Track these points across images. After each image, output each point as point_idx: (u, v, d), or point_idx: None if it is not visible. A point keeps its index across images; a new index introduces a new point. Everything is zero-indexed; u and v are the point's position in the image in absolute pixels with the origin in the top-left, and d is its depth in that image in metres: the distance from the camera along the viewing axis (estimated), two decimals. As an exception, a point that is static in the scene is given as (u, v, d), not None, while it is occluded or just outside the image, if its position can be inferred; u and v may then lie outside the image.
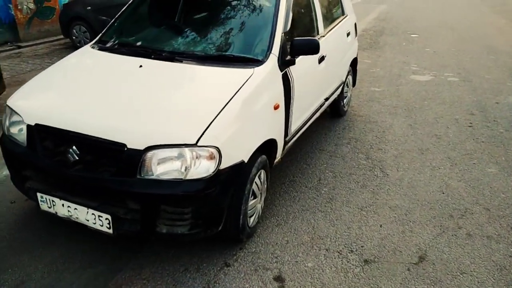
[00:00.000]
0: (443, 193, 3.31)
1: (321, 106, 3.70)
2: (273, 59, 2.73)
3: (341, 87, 4.37)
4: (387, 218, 2.98)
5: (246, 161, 2.36)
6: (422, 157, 3.92)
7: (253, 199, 2.59)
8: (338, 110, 4.72)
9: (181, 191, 2.11)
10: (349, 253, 2.62)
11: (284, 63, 2.81)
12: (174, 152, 2.14)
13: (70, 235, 2.63)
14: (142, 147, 2.12)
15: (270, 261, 2.53)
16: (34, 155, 2.39)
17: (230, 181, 2.27)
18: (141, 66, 2.67)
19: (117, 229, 2.24)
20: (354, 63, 4.85)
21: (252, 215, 2.63)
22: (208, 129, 2.16)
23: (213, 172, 2.15)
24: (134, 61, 2.73)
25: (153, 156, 2.14)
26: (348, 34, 4.35)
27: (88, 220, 2.27)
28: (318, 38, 3.49)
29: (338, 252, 2.63)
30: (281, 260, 2.54)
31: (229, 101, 2.32)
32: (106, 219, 2.21)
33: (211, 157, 2.15)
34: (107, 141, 2.17)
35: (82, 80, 2.68)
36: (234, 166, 2.27)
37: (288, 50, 2.85)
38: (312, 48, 2.83)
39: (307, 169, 3.65)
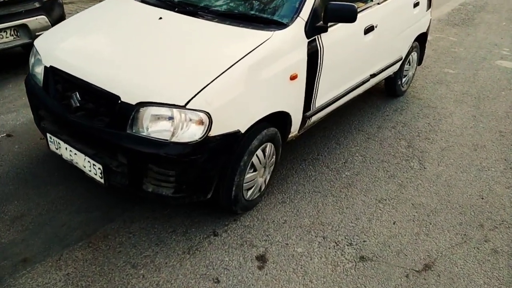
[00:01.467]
0: (483, 198, 2.89)
1: (364, 82, 3.36)
2: (299, 24, 2.48)
3: (398, 63, 3.94)
4: (405, 216, 2.68)
5: (243, 131, 2.21)
6: (473, 154, 3.45)
7: (253, 172, 2.46)
8: (393, 89, 4.29)
9: (163, 152, 2.04)
10: (347, 245, 2.41)
11: (314, 29, 2.55)
12: (165, 111, 2.06)
13: (78, 179, 2.73)
14: (133, 102, 2.07)
15: (260, 239, 2.42)
16: (47, 96, 2.46)
17: (221, 149, 2.16)
18: (160, 18, 2.59)
19: (109, 180, 2.25)
20: (422, 38, 4.32)
21: (251, 188, 2.50)
22: (201, 92, 2.04)
23: (200, 138, 2.05)
24: (156, 13, 2.65)
25: (145, 113, 2.09)
26: (416, 5, 3.84)
27: (85, 167, 2.32)
28: (371, 6, 3.14)
29: (335, 243, 2.43)
30: (272, 240, 2.42)
31: (232, 65, 2.16)
32: (99, 168, 2.24)
33: (200, 122, 2.04)
34: (104, 91, 2.16)
35: (102, 27, 2.68)
36: (228, 135, 2.15)
37: (322, 15, 2.57)
38: (348, 15, 2.52)
39: (336, 148, 3.39)
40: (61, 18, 4.47)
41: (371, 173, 3.11)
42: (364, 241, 2.46)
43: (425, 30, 4.26)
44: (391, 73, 4.00)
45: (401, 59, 3.94)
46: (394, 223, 2.61)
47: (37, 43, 2.66)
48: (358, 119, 3.90)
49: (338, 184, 2.95)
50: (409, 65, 4.29)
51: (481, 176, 3.16)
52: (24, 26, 4.13)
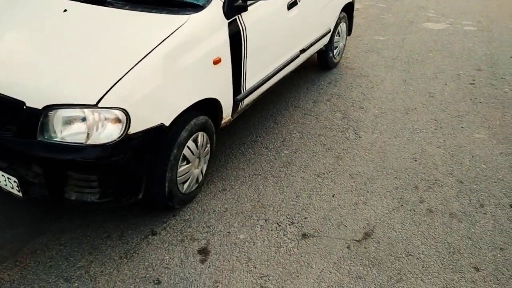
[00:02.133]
0: (416, 160, 2.99)
1: (294, 58, 3.33)
2: (216, 4, 2.37)
3: (327, 36, 3.94)
4: (343, 187, 2.71)
5: (167, 124, 2.10)
6: (405, 118, 3.55)
7: (186, 164, 2.36)
8: (326, 62, 4.31)
9: (80, 157, 1.90)
10: (289, 225, 2.41)
11: (232, 9, 2.45)
12: (76, 112, 1.91)
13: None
14: (40, 106, 1.90)
15: (201, 231, 2.35)
16: None
17: (145, 146, 2.04)
18: (65, 10, 2.38)
19: (27, 192, 2.07)
20: (349, 8, 4.35)
21: (186, 181, 2.41)
22: (114, 88, 1.90)
23: (118, 138, 1.92)
24: (61, 4, 2.43)
25: (55, 116, 1.92)
26: (337, -25, 3.83)
27: (0, 182, 2.12)
28: (291, -21, 3.07)
29: (277, 224, 2.41)
30: (213, 231, 2.36)
31: (146, 55, 2.03)
32: (15, 181, 2.05)
33: (117, 121, 1.91)
34: (6, 97, 1.96)
35: (2, 26, 2.42)
36: (150, 130, 2.03)
37: (240, -7, 2.47)
38: (265, -9, 2.44)
39: (274, 128, 3.36)
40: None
41: (309, 148, 3.11)
42: (305, 218, 2.46)
43: (351, 0, 4.28)
44: (322, 46, 4.00)
45: (330, 31, 3.94)
46: (333, 196, 2.64)
47: None
48: (294, 96, 3.88)
49: (278, 164, 2.93)
50: (339, 36, 4.31)
51: (414, 138, 3.26)
52: None
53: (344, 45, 4.62)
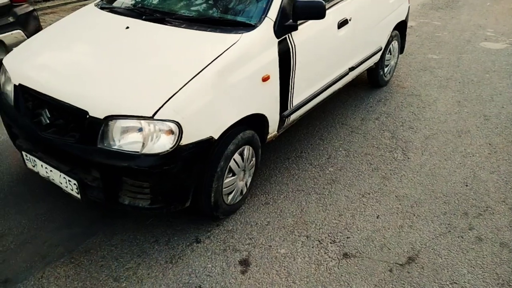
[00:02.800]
0: (467, 185, 2.88)
1: (343, 76, 3.34)
2: (267, 24, 2.45)
3: (378, 54, 3.92)
4: (388, 209, 2.67)
5: (216, 137, 2.19)
6: (457, 140, 3.43)
7: (232, 176, 2.44)
8: (376, 80, 4.28)
9: (135, 165, 2.03)
10: (330, 243, 2.40)
11: (283, 28, 2.52)
12: (134, 123, 2.05)
13: (58, 195, 2.69)
14: (102, 116, 2.05)
15: (243, 242, 2.41)
16: (18, 114, 2.44)
17: (195, 158, 2.14)
18: (128, 27, 2.56)
19: (85, 195, 2.24)
20: (401, 27, 4.30)
21: (231, 192, 2.49)
22: (169, 101, 2.02)
23: (170, 148, 2.03)
24: (124, 22, 2.62)
25: (114, 126, 2.07)
26: (391, -6, 3.82)
27: (61, 183, 2.30)
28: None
29: (319, 241, 2.42)
30: (255, 243, 2.41)
31: (200, 72, 2.14)
32: (75, 184, 2.22)
33: (170, 132, 2.02)
34: (72, 107, 2.14)
35: (69, 41, 2.65)
36: (200, 143, 2.13)
37: (291, 13, 2.54)
38: (317, 11, 2.49)
39: (319, 144, 3.38)
40: (38, 30, 4.42)
41: (354, 167, 3.09)
42: (347, 237, 2.45)
43: (404, 18, 4.24)
44: (372, 64, 3.98)
45: (381, 49, 3.92)
46: (377, 217, 2.60)
47: (5, 61, 2.63)
48: (342, 113, 3.88)
49: (322, 181, 2.94)
50: (390, 54, 4.27)
51: (466, 162, 3.14)
52: (0, 42, 4.10)
53: (396, 63, 4.56)
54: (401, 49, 4.56)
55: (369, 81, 4.34)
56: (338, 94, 3.94)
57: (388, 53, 4.20)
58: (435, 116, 3.83)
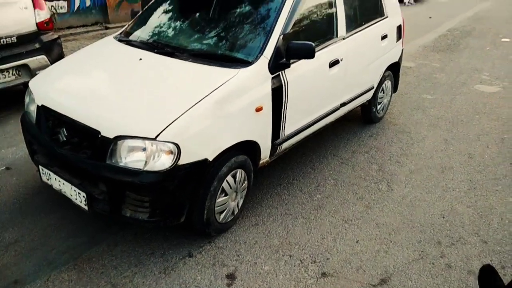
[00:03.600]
0: (443, 217, 3.10)
1: (334, 111, 3.63)
2: (263, 61, 2.77)
3: (370, 92, 4.21)
4: (367, 235, 2.89)
5: (211, 159, 2.47)
6: (440, 176, 3.67)
7: (224, 196, 2.69)
8: (369, 116, 4.56)
9: (138, 180, 2.30)
10: (311, 263, 2.62)
11: (277, 65, 2.83)
12: (139, 143, 2.33)
13: (69, 207, 2.94)
14: (112, 136, 2.35)
15: (231, 258, 2.64)
16: (39, 132, 2.75)
17: (191, 176, 2.41)
18: (141, 59, 2.89)
19: (92, 207, 2.50)
20: (394, 67, 4.62)
21: (223, 211, 2.74)
22: (171, 125, 2.31)
23: (170, 167, 2.31)
24: (138, 54, 2.96)
25: (122, 145, 2.35)
26: (384, 37, 4.15)
27: (71, 196, 2.58)
28: (336, 41, 3.44)
29: (300, 261, 2.64)
30: (242, 259, 2.63)
31: (200, 100, 2.44)
32: (83, 196, 2.49)
33: (170, 152, 2.30)
34: (87, 126, 2.44)
35: (89, 68, 3.00)
36: (196, 163, 2.40)
37: (284, 53, 2.86)
38: (307, 52, 2.81)
39: (310, 173, 3.63)
40: (60, 56, 4.83)
41: (341, 195, 3.33)
42: (327, 258, 2.66)
43: (396, 60, 4.56)
44: (365, 101, 4.27)
45: (373, 88, 4.22)
46: (357, 242, 2.82)
47: (31, 84, 2.97)
48: (334, 145, 4.15)
49: (309, 207, 3.17)
50: (383, 93, 4.56)
51: (445, 196, 3.37)
52: (25, 66, 4.49)
53: (389, 101, 4.85)
54: (395, 88, 4.86)
55: (363, 117, 4.63)
56: (333, 127, 4.22)
57: (381, 92, 4.49)
58: (422, 152, 4.08)
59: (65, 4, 8.91)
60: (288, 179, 3.52)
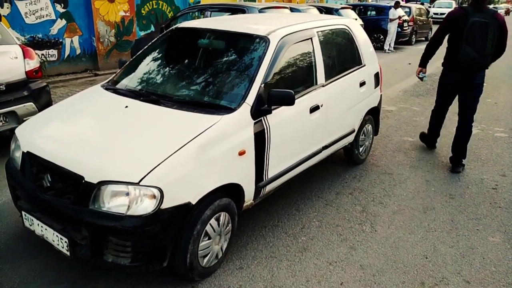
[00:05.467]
0: (426, 258, 3.12)
1: (316, 153, 3.72)
2: (245, 108, 2.88)
3: (351, 135, 4.34)
4: (352, 277, 2.89)
5: (194, 202, 2.50)
6: (422, 216, 3.73)
7: (208, 239, 2.70)
8: (352, 158, 4.67)
9: (120, 225, 2.31)
10: (295, 307, 2.60)
11: (259, 112, 2.94)
12: (122, 188, 2.37)
13: (50, 252, 2.93)
14: (95, 181, 2.38)
15: (214, 303, 2.61)
16: (23, 178, 2.77)
17: (173, 220, 2.43)
18: (126, 106, 2.98)
19: (74, 252, 2.49)
20: (374, 112, 4.79)
21: (206, 255, 2.73)
22: (154, 170, 2.36)
23: (152, 211, 2.33)
24: (124, 102, 3.06)
25: (105, 190, 2.38)
26: (362, 84, 4.34)
27: (53, 241, 2.56)
28: (316, 88, 3.59)
29: (284, 304, 2.62)
30: (225, 304, 2.61)
31: (183, 146, 2.51)
32: (65, 242, 2.48)
33: (153, 197, 2.34)
34: (70, 172, 2.48)
35: (75, 115, 3.07)
36: (179, 207, 2.43)
37: (266, 99, 2.98)
38: (287, 100, 2.93)
39: (295, 215, 3.67)
40: (48, 103, 4.91)
41: (325, 237, 3.35)
42: (311, 301, 2.65)
43: (376, 105, 4.74)
44: (347, 144, 4.39)
45: (354, 131, 4.35)
46: (341, 284, 2.82)
47: (17, 131, 3.02)
48: (319, 187, 4.21)
49: (294, 249, 3.18)
50: (365, 136, 4.70)
51: (427, 237, 3.41)
52: (13, 112, 4.56)
53: (371, 144, 4.98)
54: (376, 131, 5.01)
55: (346, 159, 4.73)
56: (317, 169, 4.30)
57: (362, 135, 4.63)
58: (404, 193, 4.16)
59: (55, 52, 9.13)
60: (273, 221, 3.55)
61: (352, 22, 4.51)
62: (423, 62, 4.90)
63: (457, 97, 4.77)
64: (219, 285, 2.78)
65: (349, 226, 3.52)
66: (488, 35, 4.13)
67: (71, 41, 9.42)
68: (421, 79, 5.02)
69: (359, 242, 3.30)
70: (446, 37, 4.56)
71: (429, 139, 5.38)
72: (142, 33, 11.00)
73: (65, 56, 9.37)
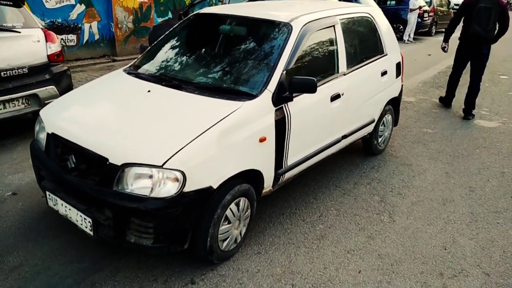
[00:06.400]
0: (445, 249, 3.11)
1: (336, 142, 3.71)
2: (267, 95, 2.87)
3: (371, 125, 4.31)
4: (370, 265, 2.90)
5: (215, 187, 2.52)
6: (442, 208, 3.69)
7: (227, 224, 2.73)
8: (370, 149, 4.64)
9: (143, 206, 2.35)
10: (313, 293, 2.62)
11: (280, 99, 2.93)
12: (146, 170, 2.40)
13: (73, 232, 2.98)
14: (119, 163, 2.42)
15: (233, 287, 2.64)
16: (47, 159, 2.83)
17: (195, 204, 2.46)
18: (149, 91, 3.01)
19: (97, 232, 2.54)
20: (395, 102, 4.73)
21: (226, 239, 2.76)
22: (177, 153, 2.38)
23: (175, 194, 2.36)
24: (146, 86, 3.08)
25: (129, 172, 2.42)
26: (383, 73, 4.29)
27: (77, 221, 2.62)
28: (338, 77, 3.56)
29: (302, 290, 2.64)
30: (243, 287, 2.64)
31: (206, 131, 2.52)
32: (89, 222, 2.53)
33: (176, 180, 2.36)
34: (95, 153, 2.52)
35: (98, 99, 3.11)
36: (201, 191, 2.46)
37: (288, 87, 2.96)
38: (309, 87, 2.92)
39: (313, 203, 3.67)
40: (69, 87, 4.98)
41: (343, 226, 3.35)
42: (329, 288, 2.66)
43: (396, 95, 4.68)
44: (366, 134, 4.36)
45: (374, 121, 4.31)
46: (359, 272, 2.83)
47: (42, 112, 3.07)
48: (336, 176, 4.20)
49: (311, 236, 3.19)
50: (384, 126, 4.66)
51: (447, 228, 3.38)
52: (35, 95, 4.63)
53: (390, 135, 4.94)
54: (395, 122, 4.96)
55: (364, 149, 4.70)
56: (335, 159, 4.29)
57: (382, 125, 4.58)
58: (423, 184, 4.12)
59: (74, 37, 9.20)
60: (291, 209, 3.56)
61: (375, 11, 4.44)
62: (446, 38, 6.47)
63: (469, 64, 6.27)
64: (238, 268, 2.81)
65: (367, 216, 3.51)
66: (490, 17, 5.62)
67: (90, 26, 9.47)
68: (443, 49, 6.53)
69: (377, 232, 3.29)
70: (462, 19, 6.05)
71: (446, 99, 6.84)
72: (160, 20, 11.00)
73: (84, 42, 9.44)
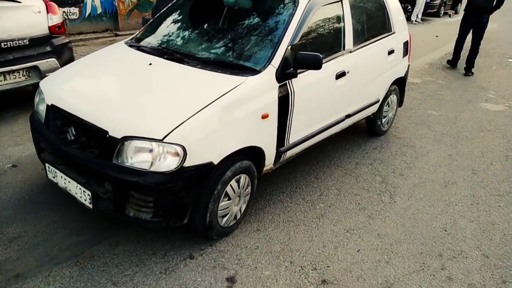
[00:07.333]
0: (446, 231, 3.10)
1: (339, 122, 3.66)
2: (270, 70, 2.81)
3: (375, 105, 4.25)
4: (369, 245, 2.89)
5: (216, 163, 2.50)
6: (443, 190, 3.67)
7: (227, 200, 2.72)
8: (374, 129, 4.59)
9: (143, 180, 2.33)
10: (312, 270, 2.62)
11: (284, 75, 2.88)
12: (146, 144, 2.36)
13: (73, 205, 2.99)
14: (119, 136, 2.38)
15: (232, 262, 2.65)
16: (47, 131, 2.80)
17: (195, 179, 2.44)
18: (150, 64, 2.95)
19: (97, 205, 2.53)
20: (400, 82, 4.65)
21: (225, 215, 2.75)
22: (178, 127, 2.35)
23: (175, 168, 2.33)
24: (148, 59, 3.02)
25: (129, 145, 2.39)
26: (390, 52, 4.20)
27: (76, 194, 2.61)
28: (343, 54, 3.49)
29: (301, 267, 2.64)
30: (242, 263, 2.64)
31: (208, 105, 2.48)
32: (88, 195, 2.52)
33: (176, 154, 2.34)
34: (95, 126, 2.48)
35: (99, 71, 3.05)
36: (201, 166, 2.43)
37: (292, 63, 2.90)
38: (314, 63, 2.85)
39: (313, 182, 3.65)
40: (70, 60, 4.90)
41: (343, 205, 3.34)
42: (328, 266, 2.67)
43: (402, 75, 4.60)
44: (370, 114, 4.30)
45: (378, 101, 4.25)
46: (358, 251, 2.82)
47: (42, 84, 3.03)
48: (338, 156, 4.17)
49: (311, 215, 3.19)
50: (389, 106, 4.60)
51: (448, 210, 3.37)
52: (36, 67, 4.56)
53: (394, 115, 4.88)
54: (400, 103, 4.89)
55: (367, 129, 4.65)
56: (337, 139, 4.25)
57: (386, 105, 4.52)
58: (425, 166, 4.09)
59: (76, 10, 9.05)
60: (291, 187, 3.54)
61: (383, -13, 4.31)
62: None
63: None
64: (237, 244, 2.81)
65: (367, 196, 3.50)
66: None
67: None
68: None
69: (378, 212, 3.28)
70: None
71: (452, 61, 8.16)
72: (164, -6, 10.79)
73: (86, 15, 9.28)
